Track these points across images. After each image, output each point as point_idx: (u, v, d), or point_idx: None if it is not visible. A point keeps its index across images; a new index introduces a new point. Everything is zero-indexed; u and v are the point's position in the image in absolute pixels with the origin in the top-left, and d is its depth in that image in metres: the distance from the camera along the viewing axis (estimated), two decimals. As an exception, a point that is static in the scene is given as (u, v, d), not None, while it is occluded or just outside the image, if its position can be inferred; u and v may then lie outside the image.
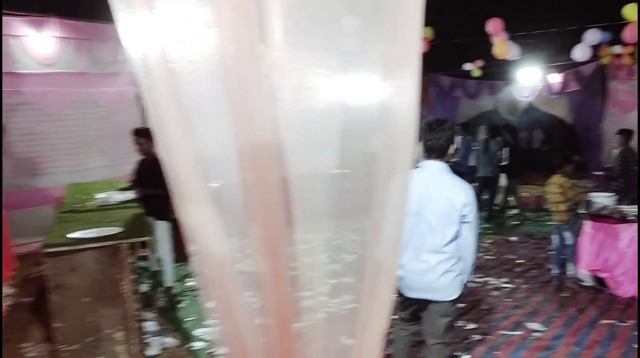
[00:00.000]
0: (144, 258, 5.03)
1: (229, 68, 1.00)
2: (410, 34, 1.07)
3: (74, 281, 3.27)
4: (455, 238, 2.59)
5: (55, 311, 3.27)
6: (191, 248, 1.16)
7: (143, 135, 4.58)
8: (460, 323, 4.08)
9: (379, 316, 1.19)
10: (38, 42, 6.57)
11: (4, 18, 6.21)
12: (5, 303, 4.68)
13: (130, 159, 6.09)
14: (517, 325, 4.09)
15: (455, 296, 2.66)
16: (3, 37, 6.25)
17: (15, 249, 5.80)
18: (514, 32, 7.80)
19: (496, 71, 9.98)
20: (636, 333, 3.84)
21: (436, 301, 2.65)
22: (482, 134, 8.41)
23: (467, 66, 9.78)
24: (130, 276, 3.43)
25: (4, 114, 6.05)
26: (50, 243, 3.28)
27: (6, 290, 4.96)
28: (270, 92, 1.05)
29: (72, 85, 6.92)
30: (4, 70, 6.25)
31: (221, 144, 1.10)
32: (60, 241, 3.31)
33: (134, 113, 7.27)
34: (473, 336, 3.89)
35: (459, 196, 2.55)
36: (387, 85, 1.12)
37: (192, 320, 4.30)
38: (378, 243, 1.18)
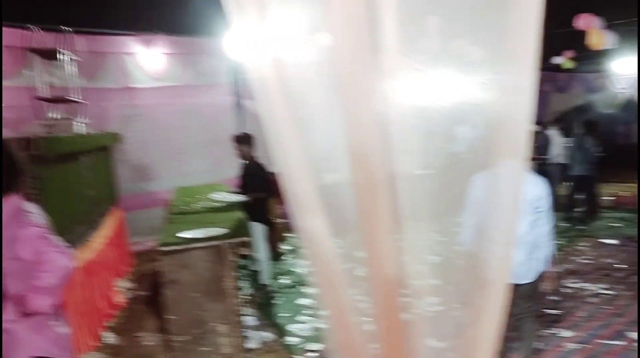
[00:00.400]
0: (244, 257, 5.20)
1: (340, 73, 1.01)
2: (527, 32, 1.03)
3: (185, 278, 3.51)
4: (531, 228, 2.80)
5: (169, 304, 3.52)
6: (302, 247, 1.20)
7: (243, 141, 4.79)
8: (553, 330, 3.98)
9: (490, 317, 1.19)
10: (148, 58, 7.14)
11: (120, 38, 6.86)
12: (125, 296, 5.15)
13: (228, 165, 6.51)
14: (618, 335, 3.90)
15: (531, 280, 2.87)
16: (119, 54, 6.90)
17: (132, 247, 6.34)
18: (610, 21, 7.28)
19: (589, 63, 9.39)
20: None
21: (515, 284, 2.82)
22: (577, 129, 7.88)
23: (556, 60, 9.31)
24: (232, 274, 3.64)
25: (122, 125, 6.66)
26: (165, 242, 3.53)
27: (125, 283, 5.44)
28: (380, 96, 1.06)
29: (178, 97, 7.42)
30: (121, 86, 6.90)
31: (330, 147, 1.13)
32: (172, 241, 3.55)
33: (231, 121, 7.68)
34: (568, 344, 3.77)
35: (530, 190, 2.75)
36: (502, 84, 1.10)
37: (287, 316, 4.48)
38: (486, 246, 1.17)
